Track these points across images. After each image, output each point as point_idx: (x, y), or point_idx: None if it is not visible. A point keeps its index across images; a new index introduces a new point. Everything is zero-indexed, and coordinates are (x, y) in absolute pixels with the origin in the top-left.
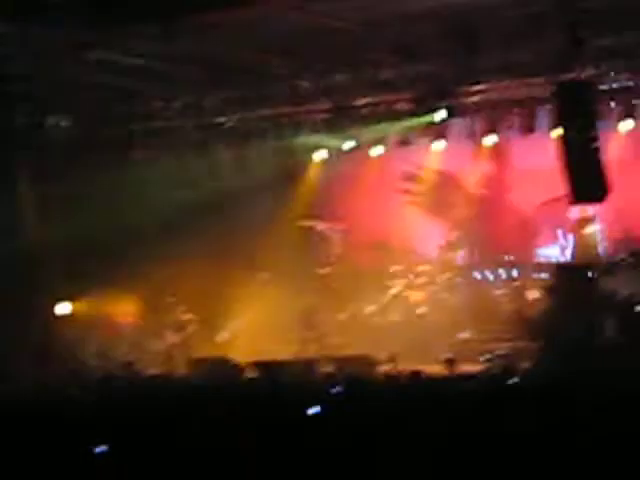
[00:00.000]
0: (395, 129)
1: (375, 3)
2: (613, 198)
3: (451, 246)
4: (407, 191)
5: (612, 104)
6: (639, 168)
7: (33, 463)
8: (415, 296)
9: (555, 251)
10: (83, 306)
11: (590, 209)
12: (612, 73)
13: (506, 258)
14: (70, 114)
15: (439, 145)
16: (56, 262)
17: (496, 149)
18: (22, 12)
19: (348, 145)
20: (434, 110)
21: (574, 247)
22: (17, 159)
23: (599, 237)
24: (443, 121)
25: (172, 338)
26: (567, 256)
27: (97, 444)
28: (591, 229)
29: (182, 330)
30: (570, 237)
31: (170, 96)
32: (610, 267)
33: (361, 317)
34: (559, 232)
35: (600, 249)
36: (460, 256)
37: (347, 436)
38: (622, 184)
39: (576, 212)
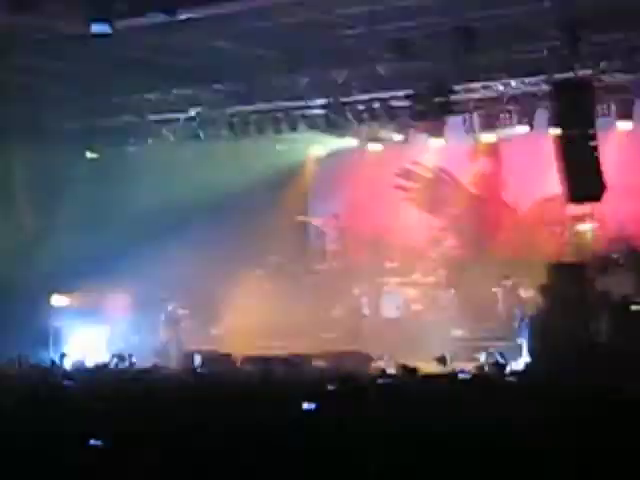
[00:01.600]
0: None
1: None
2: (607, 196)
3: (446, 243)
4: (403, 188)
5: (611, 103)
6: (635, 167)
7: (27, 449)
8: (410, 293)
9: (552, 248)
10: (77, 298)
11: (586, 207)
12: (610, 71)
13: (502, 255)
14: (66, 106)
15: (436, 142)
16: (53, 255)
17: (493, 147)
18: (23, 4)
19: (345, 141)
20: (432, 107)
21: (569, 245)
22: (14, 154)
23: (593, 235)
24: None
25: (166, 332)
26: (565, 253)
27: (90, 436)
28: (585, 227)
29: (176, 324)
30: (567, 234)
31: (166, 89)
32: (604, 267)
33: (356, 313)
34: (556, 229)
35: (594, 247)
36: (455, 253)
37: (340, 433)
38: (617, 182)
39: (571, 209)
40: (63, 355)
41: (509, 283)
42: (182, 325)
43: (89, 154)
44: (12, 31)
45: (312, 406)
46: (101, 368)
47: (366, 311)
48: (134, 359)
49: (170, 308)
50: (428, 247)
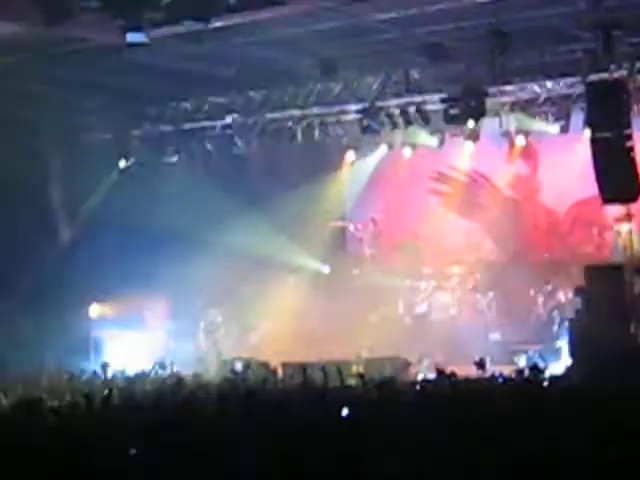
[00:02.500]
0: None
1: (407, 4)
2: None
3: (482, 246)
4: (438, 192)
5: None
6: None
7: (62, 461)
8: (447, 297)
9: (590, 250)
10: (116, 307)
11: (628, 207)
12: None
13: (539, 258)
14: (102, 116)
15: (471, 145)
16: (89, 264)
17: (529, 149)
18: (55, 14)
19: (380, 146)
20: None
21: (613, 246)
22: (50, 161)
23: (636, 236)
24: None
25: (204, 339)
26: (604, 255)
27: (128, 445)
28: (625, 228)
29: (214, 332)
30: (606, 236)
31: (200, 97)
32: None
33: (392, 318)
34: (594, 231)
35: (637, 248)
36: (492, 257)
37: (377, 438)
38: None
39: (611, 210)
40: (105, 365)
41: (548, 286)
42: (221, 332)
43: (122, 163)
44: (47, 42)
45: (351, 412)
46: (141, 376)
47: (404, 316)
48: (175, 367)
49: (209, 316)
50: (466, 251)
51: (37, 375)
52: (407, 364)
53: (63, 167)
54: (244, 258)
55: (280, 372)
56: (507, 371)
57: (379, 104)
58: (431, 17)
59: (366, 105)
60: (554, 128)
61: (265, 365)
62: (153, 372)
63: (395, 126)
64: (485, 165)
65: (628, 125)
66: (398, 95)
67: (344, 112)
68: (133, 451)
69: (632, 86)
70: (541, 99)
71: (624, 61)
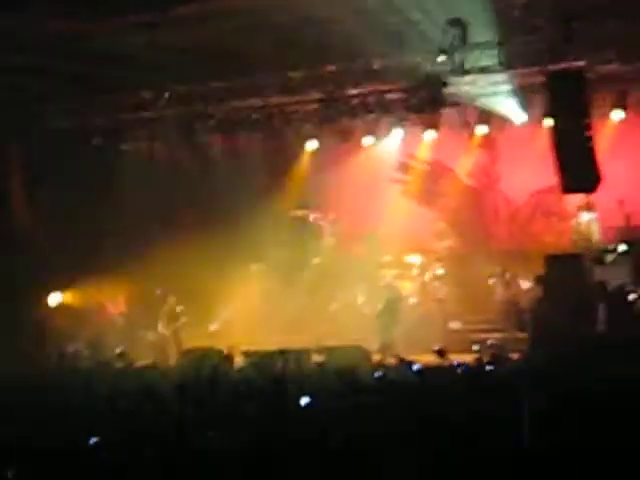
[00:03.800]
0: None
1: None
2: (613, 186)
3: (442, 235)
4: (398, 181)
5: (605, 93)
6: (635, 156)
7: (27, 453)
8: (406, 286)
9: (550, 239)
10: (75, 296)
11: (589, 197)
12: (605, 62)
13: (499, 247)
14: (62, 104)
15: (431, 135)
16: (46, 252)
17: (488, 138)
18: (12, 4)
19: (339, 135)
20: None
21: (570, 235)
22: (9, 148)
23: (596, 225)
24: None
25: (164, 329)
26: (564, 244)
27: (87, 435)
28: (587, 217)
29: (174, 321)
30: (566, 225)
31: (160, 86)
32: (600, 256)
33: (353, 307)
34: (554, 220)
35: (597, 237)
36: (451, 245)
37: (337, 426)
38: (621, 172)
39: (574, 200)
40: (62, 355)
41: (507, 275)
42: (181, 321)
43: (82, 150)
44: (5, 30)
45: (310, 400)
46: (101, 366)
47: (362, 305)
48: (133, 356)
49: (168, 305)
50: (426, 240)
51: None
52: (367, 353)
53: (23, 154)
54: (204, 246)
55: (240, 361)
56: (467, 360)
57: (339, 93)
58: (391, 7)
59: (325, 94)
60: (515, 117)
61: (225, 354)
62: (112, 362)
63: (355, 115)
64: (446, 154)
65: (587, 115)
66: (358, 84)
67: (304, 101)
68: (93, 440)
69: (591, 76)
70: (501, 89)
71: (584, 51)
